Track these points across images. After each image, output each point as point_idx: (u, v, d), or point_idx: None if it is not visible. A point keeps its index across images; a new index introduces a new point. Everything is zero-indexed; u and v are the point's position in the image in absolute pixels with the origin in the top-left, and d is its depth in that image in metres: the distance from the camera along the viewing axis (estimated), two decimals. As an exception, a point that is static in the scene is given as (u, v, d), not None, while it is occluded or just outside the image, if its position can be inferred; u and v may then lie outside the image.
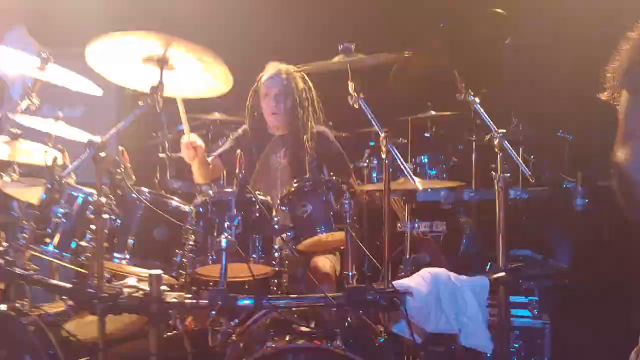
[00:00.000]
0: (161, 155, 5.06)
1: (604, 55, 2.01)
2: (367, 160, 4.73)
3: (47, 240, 3.08)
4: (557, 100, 5.27)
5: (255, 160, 3.87)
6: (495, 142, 2.99)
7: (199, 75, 3.06)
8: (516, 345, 3.50)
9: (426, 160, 4.78)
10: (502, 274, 2.92)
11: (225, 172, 4.83)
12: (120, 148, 2.93)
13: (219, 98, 5.39)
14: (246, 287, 3.17)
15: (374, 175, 4.83)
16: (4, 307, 2.97)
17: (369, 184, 4.51)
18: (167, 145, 5.05)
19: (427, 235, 3.58)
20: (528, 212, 4.76)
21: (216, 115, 5.43)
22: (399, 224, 3.63)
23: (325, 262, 3.52)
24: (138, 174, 3.17)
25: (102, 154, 2.62)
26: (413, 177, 2.48)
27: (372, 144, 5.13)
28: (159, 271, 2.70)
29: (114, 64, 3.02)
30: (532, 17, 4.90)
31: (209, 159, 3.93)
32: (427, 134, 4.94)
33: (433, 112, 4.81)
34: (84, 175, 3.40)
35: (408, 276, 3.31)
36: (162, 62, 2.83)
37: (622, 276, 4.17)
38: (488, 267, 3.03)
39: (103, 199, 2.66)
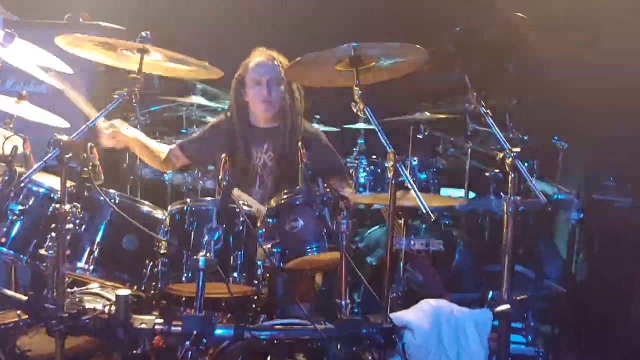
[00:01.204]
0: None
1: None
2: (355, 160, 4.43)
3: (2, 239, 2.77)
4: (554, 107, 5.04)
5: (231, 153, 3.49)
6: (508, 161, 2.72)
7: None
8: (508, 375, 3.26)
9: (416, 162, 4.49)
10: (507, 306, 2.67)
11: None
12: (90, 144, 2.58)
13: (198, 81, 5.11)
14: (223, 304, 2.88)
15: (361, 175, 4.52)
16: (-53, 317, 2.63)
17: (356, 189, 4.22)
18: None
19: (422, 253, 3.32)
20: (519, 224, 4.53)
21: (193, 99, 5.06)
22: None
23: (306, 277, 3.22)
24: (105, 157, 2.85)
25: (68, 155, 2.27)
26: (429, 210, 2.19)
27: (361, 141, 4.84)
28: (126, 291, 2.38)
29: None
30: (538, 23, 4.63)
31: (170, 147, 3.59)
32: (419, 136, 4.65)
33: (427, 114, 4.53)
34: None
35: (400, 296, 3.10)
36: (142, 52, 2.48)
37: (619, 297, 3.98)
38: (490, 296, 2.78)
39: (67, 206, 2.32)
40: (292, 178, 3.21)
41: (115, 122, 3.30)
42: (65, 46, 2.61)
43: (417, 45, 2.57)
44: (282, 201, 2.74)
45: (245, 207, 2.71)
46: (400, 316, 2.43)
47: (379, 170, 4.42)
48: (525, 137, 4.50)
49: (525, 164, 4.75)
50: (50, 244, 2.51)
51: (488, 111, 2.85)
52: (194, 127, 5.13)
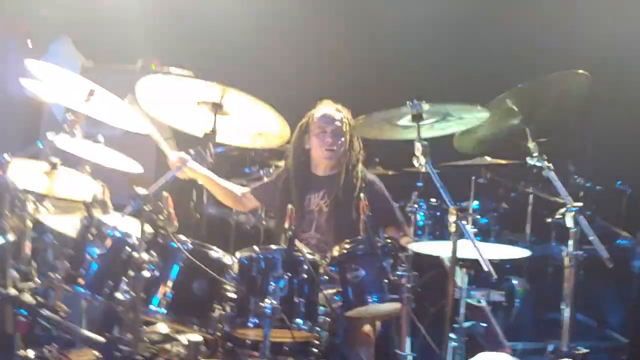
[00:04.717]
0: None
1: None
2: (415, 205, 4.46)
3: (80, 280, 2.95)
4: (618, 150, 4.99)
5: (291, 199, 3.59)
6: (570, 215, 2.73)
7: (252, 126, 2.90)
8: None
9: (478, 206, 4.51)
10: (567, 360, 2.67)
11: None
12: (165, 194, 2.74)
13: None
14: (285, 348, 2.97)
15: (421, 219, 4.55)
16: (31, 353, 2.79)
17: (415, 233, 4.25)
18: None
19: (482, 304, 3.34)
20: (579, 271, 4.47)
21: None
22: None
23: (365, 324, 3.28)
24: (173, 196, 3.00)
25: (148, 208, 2.43)
26: (491, 269, 2.24)
27: (420, 185, 4.88)
28: (198, 337, 2.51)
29: (163, 103, 2.88)
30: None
31: (242, 191, 3.74)
32: (480, 180, 4.66)
33: (489, 159, 4.56)
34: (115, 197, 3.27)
35: (461, 346, 3.10)
36: (217, 108, 2.64)
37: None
38: (550, 349, 2.78)
39: (145, 256, 2.47)
40: (347, 223, 3.32)
41: (181, 154, 3.41)
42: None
43: (479, 107, 2.64)
44: (345, 251, 2.83)
45: (308, 256, 2.80)
46: (461, 370, 2.46)
47: (438, 214, 4.44)
48: (588, 184, 4.47)
49: (588, 212, 4.73)
50: (126, 288, 2.68)
51: (550, 165, 2.88)
52: (257, 167, 5.28)
